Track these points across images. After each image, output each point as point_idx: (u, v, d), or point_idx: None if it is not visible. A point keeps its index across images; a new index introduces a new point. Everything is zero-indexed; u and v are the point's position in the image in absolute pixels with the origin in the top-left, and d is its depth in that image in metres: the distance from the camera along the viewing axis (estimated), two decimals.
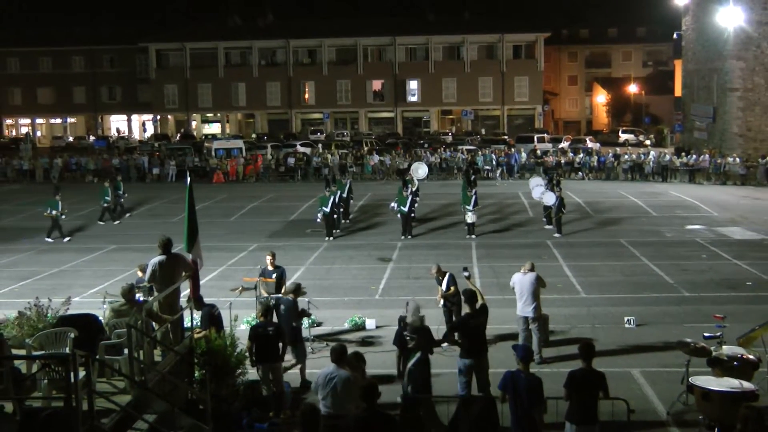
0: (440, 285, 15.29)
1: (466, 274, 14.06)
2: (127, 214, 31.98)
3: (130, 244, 25.60)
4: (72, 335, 9.83)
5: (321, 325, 16.14)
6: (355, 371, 9.46)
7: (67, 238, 27.13)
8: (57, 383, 8.82)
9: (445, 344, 13.27)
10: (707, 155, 43.84)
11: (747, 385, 10.58)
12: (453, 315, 14.95)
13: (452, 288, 15.00)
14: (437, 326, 13.59)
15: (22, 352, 10.05)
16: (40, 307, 11.77)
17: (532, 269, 14.21)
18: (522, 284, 14.01)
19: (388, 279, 20.80)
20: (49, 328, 10.60)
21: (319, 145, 57.12)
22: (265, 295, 14.94)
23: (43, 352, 9.72)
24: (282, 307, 13.24)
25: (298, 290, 13.70)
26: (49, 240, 26.82)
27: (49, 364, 9.04)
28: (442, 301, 15.13)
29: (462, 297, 12.58)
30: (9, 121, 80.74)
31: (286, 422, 11.05)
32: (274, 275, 15.13)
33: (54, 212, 26.94)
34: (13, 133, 78.08)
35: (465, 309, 12.39)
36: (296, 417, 8.09)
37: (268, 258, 15.49)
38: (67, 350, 9.26)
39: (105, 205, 30.67)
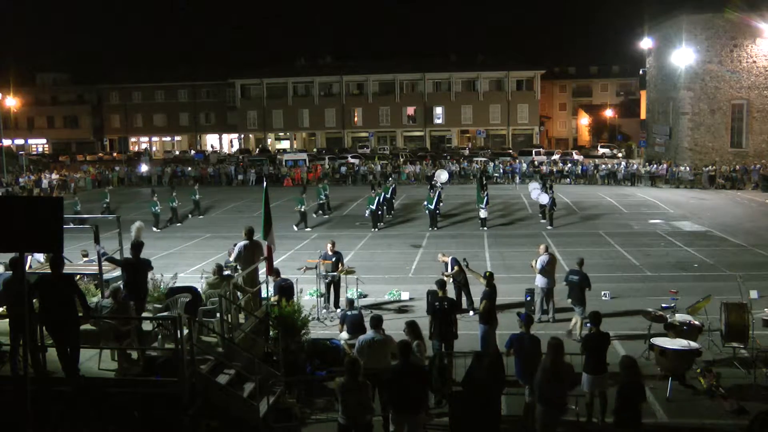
0: (445, 269, 14.88)
1: (465, 263, 14.26)
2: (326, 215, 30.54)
3: (221, 233, 25.93)
4: (182, 299, 9.99)
5: (367, 296, 16.11)
6: (417, 338, 9.43)
7: (308, 229, 26.35)
8: (169, 338, 9.00)
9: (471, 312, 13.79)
10: (665, 165, 44.08)
11: (693, 344, 10.56)
12: (462, 289, 14.74)
13: (456, 268, 14.63)
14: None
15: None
16: (155, 281, 11.99)
17: (547, 250, 14.22)
18: (543, 262, 14.01)
19: (418, 261, 20.80)
20: (162, 297, 10.79)
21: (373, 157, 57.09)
22: (324, 272, 15.00)
23: (161, 314, 9.91)
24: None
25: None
26: (296, 229, 26.24)
27: (163, 324, 9.24)
28: (451, 279, 14.56)
29: (486, 276, 12.18)
30: (133, 139, 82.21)
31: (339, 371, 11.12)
32: (333, 258, 15.10)
33: (303, 207, 26.61)
34: (136, 148, 79.46)
35: (480, 282, 12.37)
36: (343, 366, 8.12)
37: (329, 245, 15.40)
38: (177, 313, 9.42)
39: (321, 202, 30.21)
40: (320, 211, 30.30)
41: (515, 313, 11.09)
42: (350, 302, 12.22)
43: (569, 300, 13.47)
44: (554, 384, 7.94)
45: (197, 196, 31.27)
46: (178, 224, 28.64)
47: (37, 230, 6.33)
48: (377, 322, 9.20)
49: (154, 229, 26.77)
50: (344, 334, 11.49)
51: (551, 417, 8.05)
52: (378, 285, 17.23)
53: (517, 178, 44.69)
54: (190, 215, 30.70)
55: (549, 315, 14.22)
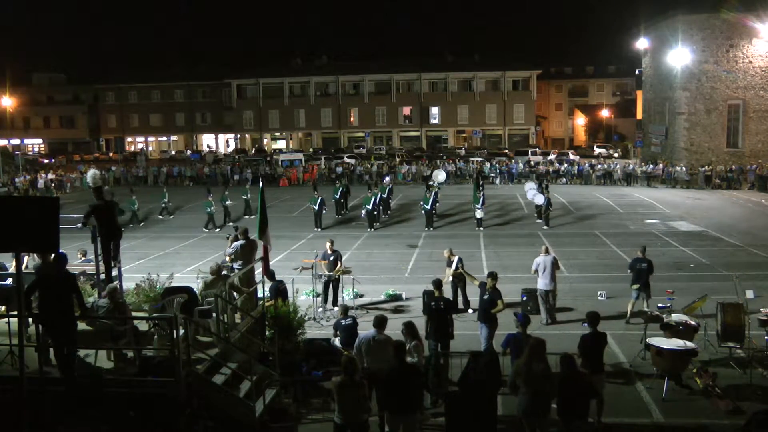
0: (450, 266, 14.85)
1: (460, 265, 14.41)
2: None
3: (216, 233, 25.87)
4: (178, 299, 9.97)
5: (363, 296, 16.08)
6: (415, 339, 9.37)
7: (318, 229, 26.21)
8: (165, 338, 8.97)
9: (470, 310, 13.90)
10: (661, 165, 44.20)
11: (689, 344, 10.56)
12: (459, 289, 14.72)
13: (459, 268, 14.65)
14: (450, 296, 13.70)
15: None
16: (151, 281, 11.96)
17: (547, 252, 14.20)
18: (545, 264, 13.98)
19: (414, 261, 20.79)
20: (158, 297, 10.75)
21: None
22: (320, 272, 14.96)
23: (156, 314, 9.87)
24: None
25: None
26: (318, 230, 26.21)
27: (159, 324, 9.21)
28: (450, 278, 14.59)
29: (489, 278, 11.96)
30: (129, 139, 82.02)
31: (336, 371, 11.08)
32: (331, 258, 15.07)
33: (316, 206, 26.61)
34: (132, 148, 79.29)
35: (474, 285, 12.34)
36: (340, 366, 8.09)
37: (328, 244, 15.39)
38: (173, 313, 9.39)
39: (338, 199, 29.87)
40: (343, 211, 30.18)
41: (512, 313, 11.09)
42: (345, 309, 11.66)
43: (635, 286, 13.85)
44: (527, 387, 7.80)
45: (248, 195, 30.94)
46: (231, 224, 28.49)
47: (33, 230, 6.31)
48: (380, 322, 9.13)
49: (205, 230, 26.78)
50: (338, 342, 11.42)
51: (532, 422, 7.93)
52: (374, 285, 17.18)
53: (497, 179, 44.84)
54: (245, 215, 30.35)
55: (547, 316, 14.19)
